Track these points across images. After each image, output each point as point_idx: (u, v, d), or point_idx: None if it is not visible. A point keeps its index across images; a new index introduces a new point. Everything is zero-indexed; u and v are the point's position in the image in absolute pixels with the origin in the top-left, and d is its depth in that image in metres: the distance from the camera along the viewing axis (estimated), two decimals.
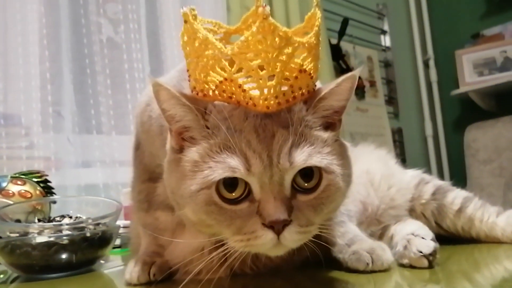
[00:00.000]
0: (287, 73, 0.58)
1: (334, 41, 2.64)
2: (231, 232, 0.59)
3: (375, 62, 2.95)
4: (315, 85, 0.64)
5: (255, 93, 0.58)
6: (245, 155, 0.57)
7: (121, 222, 1.11)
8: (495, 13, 2.94)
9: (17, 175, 1.20)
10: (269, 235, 0.57)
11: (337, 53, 2.62)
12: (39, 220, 1.03)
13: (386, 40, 3.14)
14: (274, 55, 0.56)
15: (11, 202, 1.09)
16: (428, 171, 1.05)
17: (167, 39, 1.98)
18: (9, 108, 1.56)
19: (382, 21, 3.14)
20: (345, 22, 2.66)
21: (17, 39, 1.59)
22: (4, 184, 1.14)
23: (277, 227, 0.56)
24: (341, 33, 2.66)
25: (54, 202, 1.15)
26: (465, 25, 3.04)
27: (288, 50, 0.57)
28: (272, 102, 0.58)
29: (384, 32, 3.13)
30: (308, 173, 0.59)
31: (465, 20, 3.06)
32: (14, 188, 1.14)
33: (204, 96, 0.62)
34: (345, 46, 2.73)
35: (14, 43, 1.58)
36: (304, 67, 0.60)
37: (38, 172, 1.24)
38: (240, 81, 0.58)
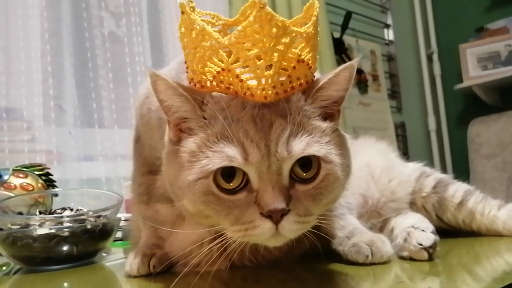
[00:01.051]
0: (285, 63, 0.58)
1: (337, 34, 2.62)
2: (229, 222, 0.59)
3: (378, 56, 2.93)
4: (314, 76, 0.63)
5: (253, 83, 0.58)
6: (242, 144, 0.57)
7: (122, 215, 1.11)
8: (500, 7, 2.91)
9: (19, 168, 1.20)
10: (267, 224, 0.56)
11: (340, 47, 2.60)
12: (40, 213, 1.03)
13: (389, 34, 3.12)
14: (271, 45, 0.55)
15: (13, 195, 1.09)
16: (431, 165, 1.04)
17: (169, 32, 1.97)
18: (11, 102, 1.56)
19: (386, 15, 3.12)
20: (348, 15, 2.65)
21: (18, 33, 1.58)
22: (6, 177, 1.15)
23: (275, 217, 0.56)
24: (344, 26, 2.65)
25: (56, 195, 1.15)
26: (469, 19, 3.01)
27: (286, 39, 0.56)
28: (270, 92, 0.57)
29: (387, 26, 3.11)
30: (306, 162, 0.59)
31: (469, 13, 3.03)
32: (16, 181, 1.15)
33: (202, 87, 0.61)
34: (348, 40, 2.72)
35: (15, 38, 1.58)
36: (302, 57, 0.59)
37: (40, 165, 1.24)
38: (238, 71, 0.58)
